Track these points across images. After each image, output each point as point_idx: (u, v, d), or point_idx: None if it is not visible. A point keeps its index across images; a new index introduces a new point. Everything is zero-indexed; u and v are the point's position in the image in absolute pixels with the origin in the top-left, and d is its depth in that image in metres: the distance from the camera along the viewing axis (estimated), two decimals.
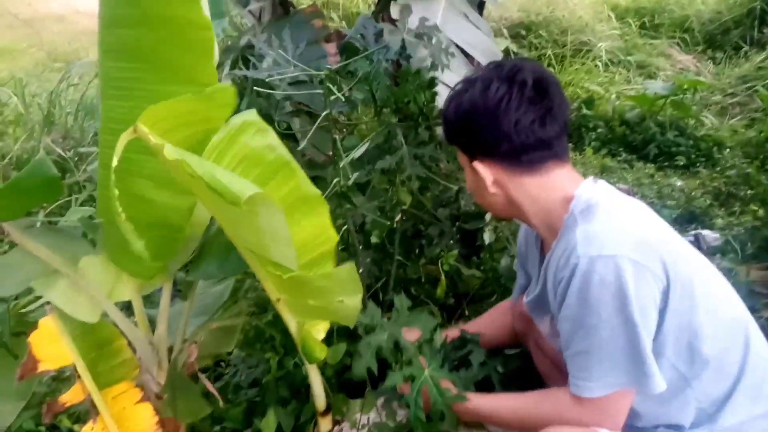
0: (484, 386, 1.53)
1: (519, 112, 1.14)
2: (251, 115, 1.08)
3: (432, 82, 1.50)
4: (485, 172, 1.20)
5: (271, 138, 1.10)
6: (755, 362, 1.14)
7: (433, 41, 1.53)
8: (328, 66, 1.35)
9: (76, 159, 3.22)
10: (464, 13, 2.21)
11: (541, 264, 1.27)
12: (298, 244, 1.22)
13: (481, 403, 1.31)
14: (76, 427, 1.72)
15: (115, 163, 0.87)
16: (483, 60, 2.12)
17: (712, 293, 1.15)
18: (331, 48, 1.99)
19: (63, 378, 1.97)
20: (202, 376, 1.53)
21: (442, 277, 1.75)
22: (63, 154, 3.18)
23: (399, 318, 1.39)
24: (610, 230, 1.08)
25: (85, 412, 1.72)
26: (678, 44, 4.75)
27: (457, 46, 2.08)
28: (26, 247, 1.24)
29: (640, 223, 1.14)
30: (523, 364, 1.69)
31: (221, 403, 1.45)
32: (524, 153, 1.16)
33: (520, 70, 1.16)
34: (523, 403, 1.27)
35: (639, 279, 1.05)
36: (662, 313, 1.09)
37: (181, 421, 1.28)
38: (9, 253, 1.34)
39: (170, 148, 0.84)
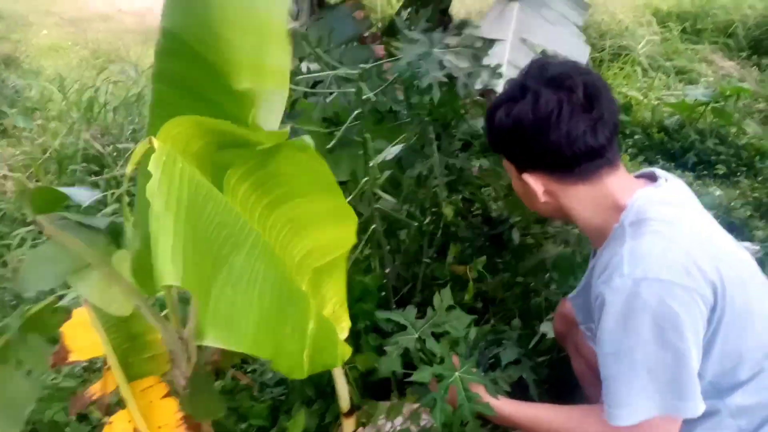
0: (519, 386, 1.51)
1: (570, 123, 1.10)
2: (305, 139, 1.08)
3: (458, 99, 1.45)
4: (536, 184, 1.18)
5: (320, 163, 1.11)
6: None
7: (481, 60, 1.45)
8: (362, 65, 1.34)
9: (114, 154, 3.30)
10: (542, 16, 2.15)
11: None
12: (322, 245, 1.24)
13: (514, 411, 1.28)
14: (105, 418, 1.75)
15: (129, 170, 0.87)
16: (572, 54, 2.04)
17: (764, 315, 1.09)
18: (380, 50, 1.97)
19: (94, 369, 2.02)
20: (233, 371, 1.55)
21: (471, 281, 1.73)
22: (101, 149, 3.25)
23: (434, 316, 1.36)
24: (659, 251, 1.04)
25: (114, 404, 1.76)
26: (721, 49, 4.62)
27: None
28: (60, 240, 1.26)
29: (694, 240, 1.07)
30: (556, 371, 1.67)
31: (255, 390, 1.45)
32: (577, 164, 1.13)
33: (569, 77, 1.12)
34: (563, 418, 1.22)
35: (685, 304, 1.01)
36: (711, 335, 1.05)
37: (197, 419, 1.29)
38: (42, 246, 1.37)
39: (152, 183, 0.80)
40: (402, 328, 1.38)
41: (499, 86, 1.41)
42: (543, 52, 1.94)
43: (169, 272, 0.79)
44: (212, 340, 0.89)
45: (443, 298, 1.37)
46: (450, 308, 1.37)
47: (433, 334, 1.34)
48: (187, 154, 0.94)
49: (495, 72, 1.35)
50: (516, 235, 1.88)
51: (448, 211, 1.51)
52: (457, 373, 1.31)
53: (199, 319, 0.86)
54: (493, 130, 1.22)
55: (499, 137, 1.21)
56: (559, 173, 1.16)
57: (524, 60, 1.82)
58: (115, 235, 1.35)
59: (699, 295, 1.02)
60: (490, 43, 1.41)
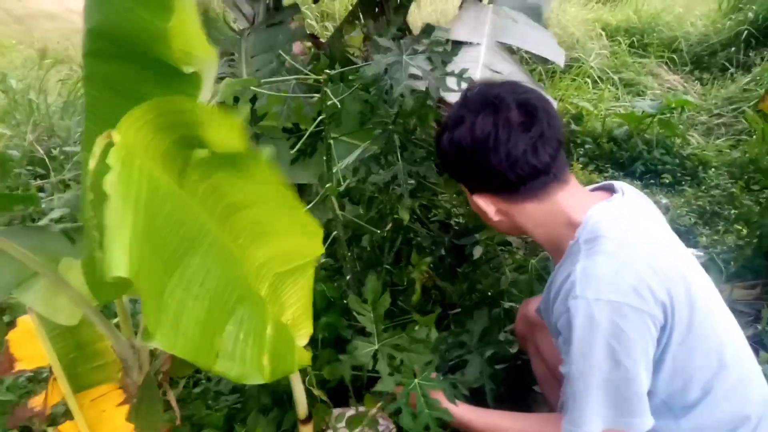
0: (478, 391, 1.52)
1: (509, 144, 1.10)
2: (264, 150, 1.06)
3: (428, 109, 1.46)
4: (486, 205, 1.20)
5: (275, 176, 1.09)
6: (751, 404, 1.12)
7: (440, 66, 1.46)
8: (327, 71, 1.33)
9: (61, 157, 3.18)
10: (513, 18, 2.14)
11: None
12: (285, 252, 1.22)
13: (473, 417, 1.30)
14: (50, 429, 1.68)
15: (92, 166, 0.85)
16: (552, 57, 2.04)
17: (717, 339, 1.11)
18: (297, 47, 1.94)
19: (39, 380, 1.94)
20: (168, 390, 1.50)
21: (418, 283, 1.74)
22: (48, 152, 3.13)
23: (399, 337, 1.36)
24: (610, 272, 1.05)
25: (60, 415, 1.69)
26: (666, 64, 4.81)
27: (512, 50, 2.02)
28: (4, 248, 1.21)
29: (646, 260, 1.08)
30: (514, 376, 1.69)
31: (178, 420, 1.42)
32: (521, 184, 1.14)
33: (502, 98, 1.13)
34: (521, 427, 1.25)
35: (634, 325, 1.03)
36: (661, 354, 1.08)
37: (138, 430, 1.25)
38: None
39: (111, 177, 0.79)
40: (364, 332, 1.38)
41: (452, 95, 1.43)
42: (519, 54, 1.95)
43: (120, 264, 0.76)
44: (159, 343, 0.86)
45: (420, 324, 1.38)
46: (401, 316, 1.38)
47: (390, 356, 1.35)
48: (148, 150, 0.91)
49: (461, 77, 1.36)
50: (478, 252, 1.90)
51: (404, 214, 1.52)
52: (416, 380, 1.32)
53: (146, 319, 0.83)
54: (439, 155, 1.23)
55: (444, 162, 1.24)
56: (505, 194, 1.17)
57: (501, 63, 1.83)
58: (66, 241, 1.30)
59: (648, 315, 1.04)
60: (457, 46, 1.42)
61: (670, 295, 1.06)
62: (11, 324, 1.39)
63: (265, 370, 1.06)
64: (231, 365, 1.02)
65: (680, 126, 3.65)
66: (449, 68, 1.38)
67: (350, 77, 1.39)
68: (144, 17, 0.95)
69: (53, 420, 1.71)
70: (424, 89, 1.38)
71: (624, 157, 3.51)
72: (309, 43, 2.69)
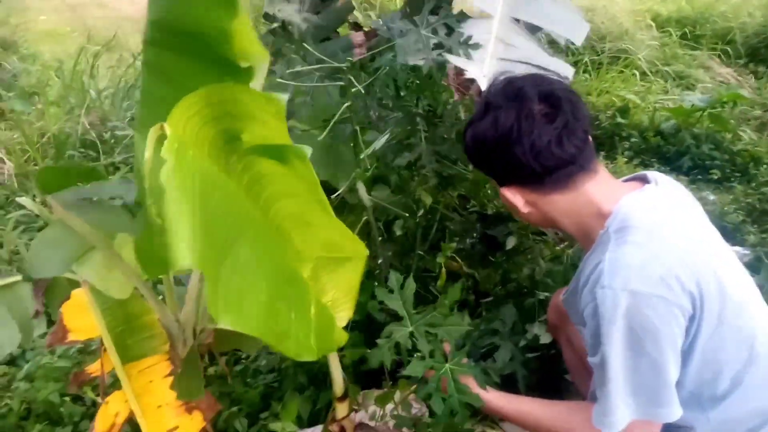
0: (508, 379, 1.53)
1: (533, 136, 1.11)
2: (304, 148, 1.09)
3: (435, 83, 1.48)
4: (514, 197, 1.21)
5: (312, 177, 1.11)
6: None
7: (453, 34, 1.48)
8: (349, 59, 1.36)
9: (112, 141, 3.30)
10: None
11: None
12: (327, 242, 1.25)
13: (503, 404, 1.31)
14: (100, 399, 1.77)
15: (147, 155, 0.89)
16: (571, 35, 2.00)
17: (748, 332, 1.10)
18: (358, 37, 1.96)
19: (89, 352, 2.03)
20: (220, 359, 1.56)
21: (443, 269, 1.75)
22: (99, 135, 3.26)
23: (432, 313, 1.37)
24: (638, 262, 1.05)
25: (109, 385, 1.78)
26: (719, 56, 4.65)
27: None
28: (68, 221, 1.27)
29: (677, 251, 1.08)
30: (546, 367, 1.69)
31: (229, 381, 1.47)
32: (547, 175, 1.15)
33: (524, 91, 1.13)
34: (549, 414, 1.26)
35: (662, 316, 1.03)
36: (690, 345, 1.07)
37: (180, 398, 1.30)
38: (47, 229, 1.37)
39: (167, 170, 0.81)
40: (396, 318, 1.39)
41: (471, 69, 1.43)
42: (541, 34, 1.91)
43: (186, 255, 0.81)
44: (226, 323, 0.91)
45: (449, 295, 1.38)
46: (451, 309, 1.39)
47: (427, 333, 1.36)
48: (197, 141, 0.95)
49: (467, 44, 1.37)
50: (511, 243, 1.89)
51: (426, 198, 1.53)
52: (447, 365, 1.33)
53: (210, 302, 0.88)
54: (466, 150, 1.25)
55: (471, 156, 1.25)
56: (531, 185, 1.18)
57: (515, 37, 1.80)
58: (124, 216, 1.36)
59: (677, 306, 1.04)
60: (462, 15, 1.44)
61: (700, 287, 1.05)
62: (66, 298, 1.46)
63: (312, 348, 1.10)
64: (289, 345, 1.06)
65: (732, 121, 3.54)
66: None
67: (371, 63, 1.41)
68: (208, 15, 0.99)
69: (104, 390, 1.80)
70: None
71: (671, 152, 3.42)
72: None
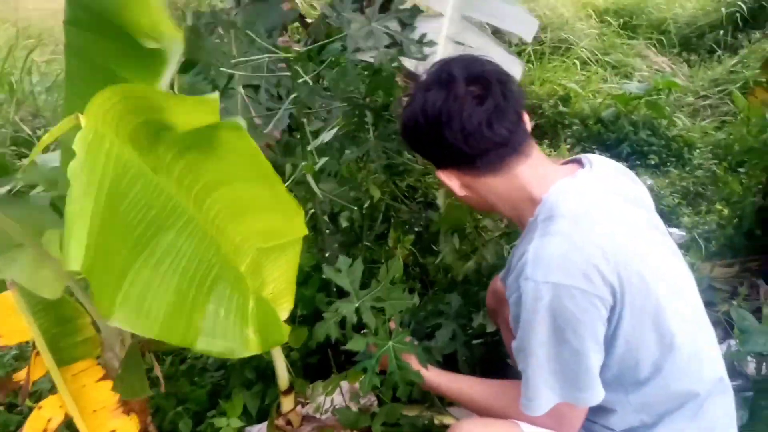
0: (452, 359, 1.56)
1: (462, 118, 1.10)
2: (238, 120, 1.06)
3: (390, 80, 1.48)
4: (450, 180, 1.21)
5: (253, 147, 1.08)
6: (702, 383, 1.14)
7: (407, 31, 1.49)
8: (297, 48, 1.34)
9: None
10: None
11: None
12: (265, 230, 1.23)
13: (442, 382, 1.34)
14: (34, 404, 1.70)
15: (46, 140, 0.85)
16: (521, 32, 2.00)
17: (669, 321, 1.11)
18: (284, 39, 1.95)
19: (25, 358, 1.95)
20: (156, 365, 1.52)
21: (399, 260, 1.76)
22: (34, 131, 3.11)
23: (377, 288, 1.37)
24: (560, 254, 1.06)
25: (46, 391, 1.71)
26: (654, 45, 4.81)
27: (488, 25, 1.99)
28: None
29: (601, 241, 1.08)
30: (488, 352, 1.72)
31: (162, 388, 1.44)
32: (478, 158, 1.14)
33: (451, 73, 1.12)
34: (484, 393, 1.29)
35: (581, 307, 1.05)
36: (612, 333, 1.09)
37: (125, 397, 1.27)
38: None
39: (75, 164, 0.78)
40: (344, 294, 1.39)
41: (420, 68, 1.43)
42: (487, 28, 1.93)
43: (75, 258, 0.78)
44: (118, 322, 0.88)
45: (390, 270, 1.38)
46: (393, 284, 1.39)
47: (373, 308, 1.36)
48: (118, 131, 0.91)
49: (422, 43, 1.37)
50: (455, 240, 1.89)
51: (374, 192, 1.53)
52: (390, 343, 1.34)
53: (102, 301, 0.85)
54: (401, 133, 1.25)
55: (405, 139, 1.25)
56: (465, 168, 1.17)
57: (465, 35, 1.81)
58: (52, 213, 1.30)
59: (597, 297, 1.05)
60: (416, 10, 1.43)
61: (620, 279, 1.06)
62: None
63: (252, 343, 1.08)
64: (213, 342, 1.03)
65: (667, 108, 3.67)
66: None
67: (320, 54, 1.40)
68: None
69: (39, 395, 1.73)
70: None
71: (611, 139, 3.52)
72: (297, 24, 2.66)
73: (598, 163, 1.22)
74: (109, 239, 0.85)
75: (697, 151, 3.37)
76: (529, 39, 2.06)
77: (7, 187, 1.27)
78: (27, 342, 1.35)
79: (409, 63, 1.59)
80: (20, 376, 1.40)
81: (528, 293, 1.07)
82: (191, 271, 1.01)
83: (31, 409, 1.76)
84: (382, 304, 1.36)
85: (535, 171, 1.16)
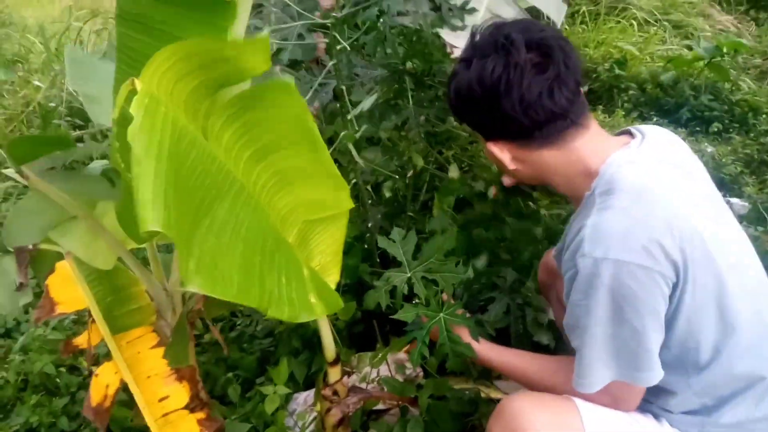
0: (503, 333, 1.53)
1: (522, 88, 1.04)
2: (288, 79, 1.04)
3: (430, 45, 1.43)
4: (501, 152, 1.15)
5: (302, 107, 1.07)
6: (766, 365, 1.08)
7: None
8: (334, 15, 1.29)
9: None
10: None
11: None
12: (312, 202, 1.22)
13: (493, 356, 1.31)
14: (94, 368, 1.77)
15: (115, 115, 0.85)
16: (549, 10, 1.97)
17: (732, 298, 1.06)
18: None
19: (83, 322, 2.03)
20: (213, 327, 1.55)
21: (453, 230, 1.73)
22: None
23: (430, 259, 1.36)
24: (621, 230, 1.01)
25: (104, 355, 1.78)
26: (720, 3, 4.53)
27: None
28: (45, 190, 1.24)
29: (663, 214, 1.03)
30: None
31: (226, 352, 1.47)
32: (537, 130, 1.09)
33: (512, 39, 1.05)
34: (537, 368, 1.25)
35: (643, 284, 1.00)
36: (674, 312, 1.04)
37: (171, 365, 1.30)
38: (26, 197, 1.34)
39: (134, 127, 0.76)
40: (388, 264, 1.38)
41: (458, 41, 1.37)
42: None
43: (151, 217, 0.77)
44: (197, 287, 0.87)
45: (445, 242, 1.36)
46: (447, 255, 1.37)
47: (425, 279, 1.35)
48: (172, 98, 0.91)
49: (464, 9, 1.31)
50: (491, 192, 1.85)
51: (417, 159, 1.49)
52: (441, 314, 1.32)
53: (181, 266, 0.85)
54: (450, 102, 1.18)
55: (455, 109, 1.18)
56: (520, 140, 1.12)
57: (504, 8, 1.76)
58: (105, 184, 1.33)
59: (659, 274, 1.00)
60: None
61: (684, 254, 1.01)
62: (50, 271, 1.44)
63: (316, 307, 1.08)
64: (282, 307, 1.04)
65: (732, 70, 3.46)
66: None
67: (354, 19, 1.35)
68: None
69: (97, 359, 1.81)
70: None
71: (670, 104, 3.36)
72: None
73: (651, 133, 1.15)
74: (176, 204, 0.85)
75: (764, 116, 3.17)
76: (558, 24, 2.01)
77: (62, 161, 1.29)
78: (84, 309, 1.41)
79: (446, 36, 1.53)
80: (79, 340, 1.45)
81: (586, 270, 1.02)
82: (252, 239, 1.01)
83: (90, 372, 1.86)
84: (434, 276, 1.35)
85: (593, 143, 1.11)
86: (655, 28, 4.16)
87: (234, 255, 0.95)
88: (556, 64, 1.05)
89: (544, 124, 1.08)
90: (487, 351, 1.32)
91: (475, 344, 1.32)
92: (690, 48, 3.57)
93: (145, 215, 0.77)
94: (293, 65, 1.56)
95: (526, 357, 1.29)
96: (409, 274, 1.35)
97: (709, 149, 2.98)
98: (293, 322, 1.07)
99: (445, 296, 1.36)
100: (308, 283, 1.09)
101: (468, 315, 1.38)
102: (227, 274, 0.93)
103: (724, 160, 2.85)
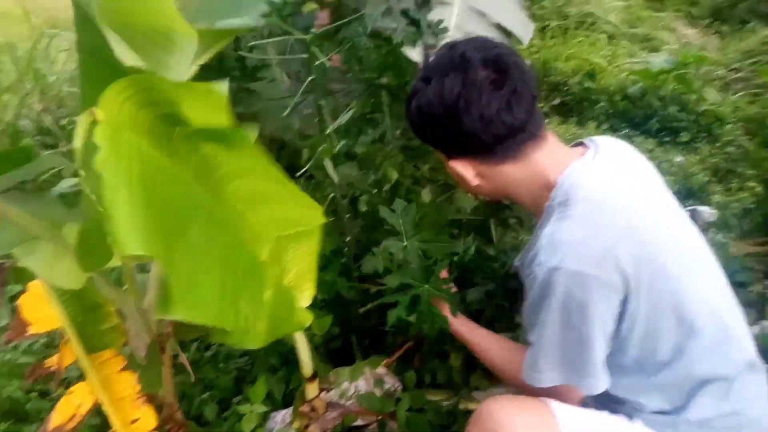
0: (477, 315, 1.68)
1: (481, 104, 1.06)
2: (248, 132, 1.05)
3: (401, 59, 1.45)
4: (464, 169, 1.17)
5: (260, 158, 1.07)
6: (728, 365, 1.11)
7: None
8: (313, 31, 1.31)
9: (70, 128, 3.19)
10: None
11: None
12: (284, 218, 1.22)
13: (466, 332, 1.41)
14: (64, 391, 1.74)
15: (78, 145, 0.84)
16: (516, 29, 2.01)
17: (690, 304, 1.08)
18: (323, 17, 1.92)
19: (54, 346, 1.99)
20: (181, 353, 1.53)
21: (444, 206, 1.79)
22: (57, 121, 3.15)
23: (423, 233, 1.44)
24: (576, 239, 1.04)
25: (75, 378, 1.74)
26: (684, 17, 4.66)
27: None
28: (5, 212, 1.21)
29: (617, 224, 1.05)
30: None
31: (192, 379, 1.45)
32: (497, 145, 1.11)
33: (468, 57, 1.08)
34: (500, 351, 1.35)
35: (593, 294, 1.03)
36: (624, 318, 1.07)
37: (144, 390, 1.28)
38: None
39: (102, 156, 0.77)
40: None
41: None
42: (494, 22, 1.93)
43: (132, 241, 0.78)
44: (180, 315, 0.87)
45: (440, 217, 1.49)
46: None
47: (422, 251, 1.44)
48: (135, 125, 0.91)
49: (437, 27, 1.34)
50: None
51: (392, 173, 1.52)
52: (426, 285, 1.41)
53: (164, 292, 0.85)
54: (411, 121, 1.19)
55: (417, 127, 1.20)
56: (482, 156, 1.14)
57: (474, 26, 1.79)
58: (69, 207, 1.31)
59: (610, 286, 1.03)
60: None
61: (637, 266, 1.03)
62: (21, 291, 1.41)
63: (260, 335, 1.08)
64: (236, 332, 1.03)
65: (697, 82, 3.55)
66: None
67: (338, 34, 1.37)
68: None
69: (69, 383, 1.77)
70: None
71: (639, 115, 3.43)
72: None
73: (605, 143, 1.18)
74: (153, 227, 0.84)
75: (729, 126, 3.26)
76: (525, 42, 2.07)
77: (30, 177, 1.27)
78: (56, 330, 1.38)
79: (415, 55, 1.56)
80: (51, 362, 1.42)
81: (540, 278, 1.05)
82: (224, 260, 1.00)
83: (61, 396, 1.81)
84: (428, 246, 1.42)
85: (551, 155, 1.14)
86: (623, 41, 4.26)
87: (210, 277, 0.95)
88: (512, 80, 1.07)
89: (504, 138, 1.10)
90: (462, 326, 1.41)
91: (452, 318, 1.41)
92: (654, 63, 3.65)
93: (125, 239, 0.77)
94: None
95: (492, 338, 1.39)
96: (405, 243, 1.42)
97: (678, 158, 3.05)
98: (238, 346, 1.07)
99: (445, 273, 1.45)
100: (263, 307, 1.08)
101: (455, 289, 1.49)
102: (205, 297, 0.93)
103: (692, 169, 2.92)
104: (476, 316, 1.61)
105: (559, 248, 1.04)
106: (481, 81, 1.07)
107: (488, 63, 1.08)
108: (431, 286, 1.40)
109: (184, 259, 0.91)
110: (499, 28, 1.99)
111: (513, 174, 1.15)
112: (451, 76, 1.08)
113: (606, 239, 1.03)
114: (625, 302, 1.05)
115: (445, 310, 1.42)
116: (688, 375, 1.10)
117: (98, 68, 1.03)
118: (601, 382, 1.10)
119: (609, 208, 1.07)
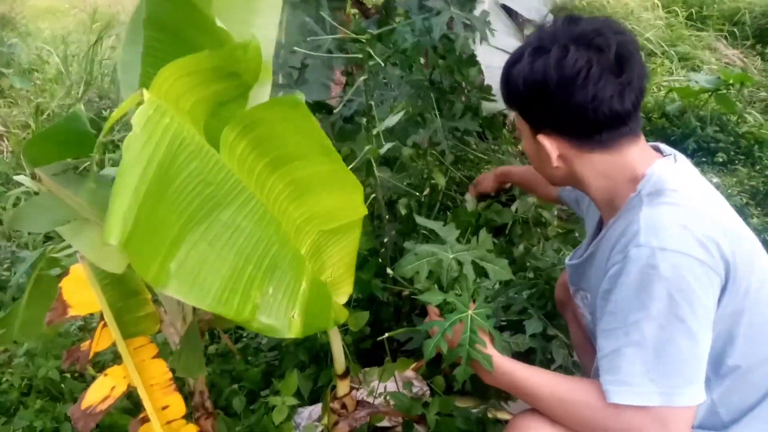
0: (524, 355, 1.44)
1: (598, 85, 1.03)
2: (296, 95, 1.06)
3: (472, 59, 1.46)
4: (551, 147, 1.12)
5: (310, 121, 1.07)
6: None
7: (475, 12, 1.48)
8: (370, 31, 1.32)
9: None
10: None
11: (595, 237, 1.22)
12: (327, 211, 1.23)
13: (517, 369, 1.13)
14: (98, 374, 1.77)
15: (114, 116, 0.86)
16: (531, 16, 2.02)
17: (762, 305, 1.05)
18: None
19: (89, 329, 2.03)
20: (224, 335, 1.56)
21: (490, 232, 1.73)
22: (98, 112, 3.23)
23: (476, 247, 1.25)
24: (678, 222, 0.99)
25: (109, 362, 1.77)
26: (725, 37, 4.59)
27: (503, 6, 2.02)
28: (57, 193, 1.24)
29: (713, 215, 1.03)
30: None
31: (237, 358, 1.46)
32: (599, 131, 1.07)
33: (602, 35, 1.04)
34: (555, 386, 1.10)
35: (700, 279, 0.97)
36: (716, 312, 1.02)
37: (178, 375, 1.30)
38: (40, 195, 1.35)
39: (129, 138, 0.78)
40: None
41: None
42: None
43: (113, 232, 0.79)
44: (173, 291, 0.89)
45: (484, 244, 1.27)
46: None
47: (474, 264, 1.23)
48: (180, 107, 0.92)
49: (485, 21, 1.35)
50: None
51: (439, 178, 1.50)
52: (470, 312, 1.16)
53: (156, 268, 0.86)
54: (510, 84, 1.14)
55: (516, 93, 1.13)
56: (578, 138, 1.10)
57: (498, 22, 1.80)
58: None
59: (714, 271, 0.98)
60: None
61: (734, 256, 1.00)
62: (64, 273, 1.45)
63: (295, 326, 1.08)
64: (267, 321, 1.04)
65: (738, 103, 3.49)
66: None
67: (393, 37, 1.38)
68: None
69: (103, 365, 1.80)
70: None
71: (676, 134, 3.39)
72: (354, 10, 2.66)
73: (679, 154, 1.16)
74: (159, 211, 0.86)
75: None
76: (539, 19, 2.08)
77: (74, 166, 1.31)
78: (92, 314, 1.40)
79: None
80: (86, 345, 1.45)
81: (641, 262, 0.97)
82: (249, 249, 1.02)
83: (93, 378, 1.85)
84: (485, 264, 1.23)
85: (641, 152, 1.11)
86: (662, 59, 4.21)
87: (222, 264, 0.96)
88: (631, 70, 1.05)
89: (606, 127, 1.07)
90: (509, 363, 1.14)
91: (497, 354, 1.15)
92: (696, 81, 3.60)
93: (109, 229, 0.78)
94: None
95: (542, 373, 1.14)
96: (451, 255, 1.23)
97: (715, 179, 3.00)
98: (272, 336, 1.07)
99: (472, 305, 1.19)
100: (299, 298, 1.09)
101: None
102: (208, 281, 0.94)
103: (729, 191, 2.87)
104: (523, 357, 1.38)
105: (662, 229, 0.99)
106: (605, 62, 1.03)
107: (619, 46, 1.05)
108: (477, 313, 1.16)
109: (201, 243, 0.93)
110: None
111: (600, 164, 1.11)
112: (576, 48, 1.04)
113: (707, 227, 1.00)
114: (721, 293, 1.01)
115: (489, 346, 1.16)
116: (745, 383, 1.07)
117: (166, 45, 1.05)
118: (702, 391, 0.98)
119: (702, 202, 1.05)
